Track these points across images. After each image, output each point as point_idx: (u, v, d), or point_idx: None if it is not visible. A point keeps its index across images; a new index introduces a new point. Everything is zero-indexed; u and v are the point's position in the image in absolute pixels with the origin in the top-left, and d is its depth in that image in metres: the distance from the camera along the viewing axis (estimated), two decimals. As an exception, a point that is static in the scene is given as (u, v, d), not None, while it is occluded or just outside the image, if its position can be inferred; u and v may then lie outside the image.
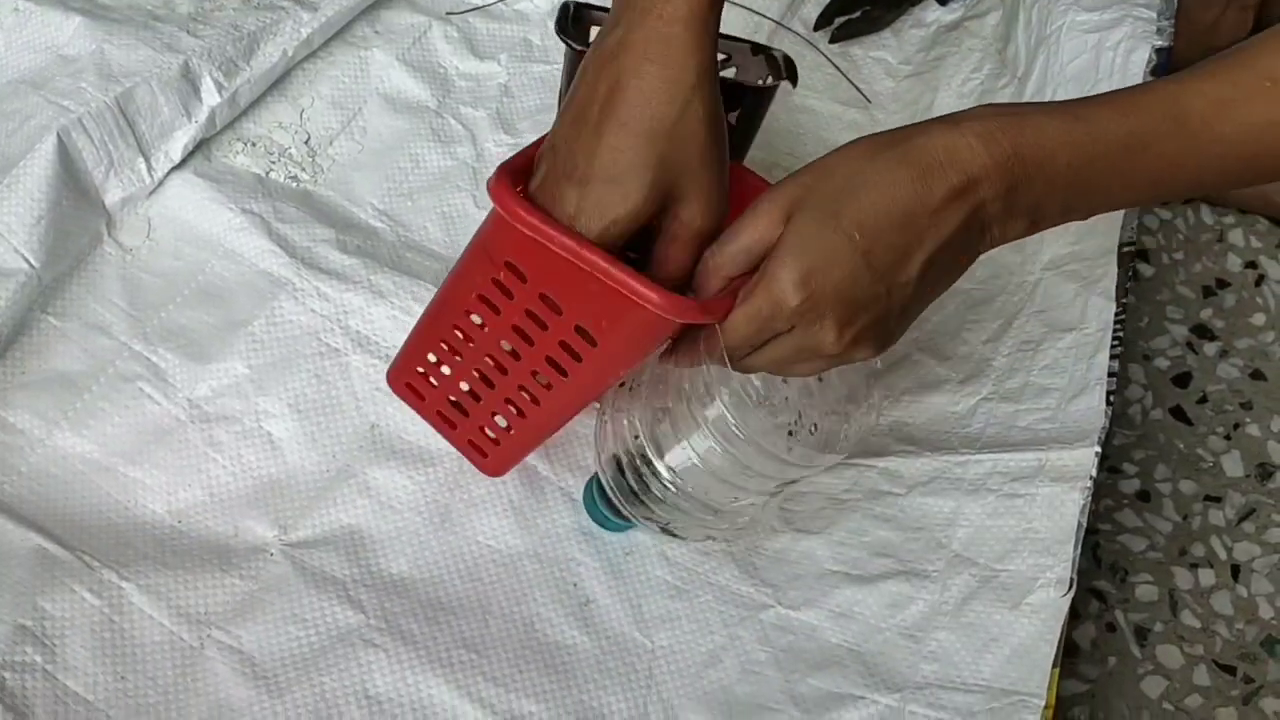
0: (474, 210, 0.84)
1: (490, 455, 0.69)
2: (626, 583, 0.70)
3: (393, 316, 0.77)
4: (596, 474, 0.69)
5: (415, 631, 0.66)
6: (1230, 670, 0.85)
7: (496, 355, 0.62)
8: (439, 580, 0.69)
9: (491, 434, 0.67)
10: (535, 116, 0.89)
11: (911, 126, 0.54)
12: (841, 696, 0.65)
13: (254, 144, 0.84)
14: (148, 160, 0.79)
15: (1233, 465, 0.94)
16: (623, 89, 0.54)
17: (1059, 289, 0.80)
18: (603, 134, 0.54)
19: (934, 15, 1.01)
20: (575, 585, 0.69)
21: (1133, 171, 0.54)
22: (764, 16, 0.98)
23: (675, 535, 0.66)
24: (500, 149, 0.88)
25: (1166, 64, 0.79)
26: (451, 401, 0.67)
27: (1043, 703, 0.62)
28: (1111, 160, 0.53)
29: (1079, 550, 0.66)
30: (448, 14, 0.94)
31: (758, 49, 0.76)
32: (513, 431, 0.66)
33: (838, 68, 0.98)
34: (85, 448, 0.70)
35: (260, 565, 0.67)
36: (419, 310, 0.76)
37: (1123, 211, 0.79)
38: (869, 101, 0.97)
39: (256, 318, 0.76)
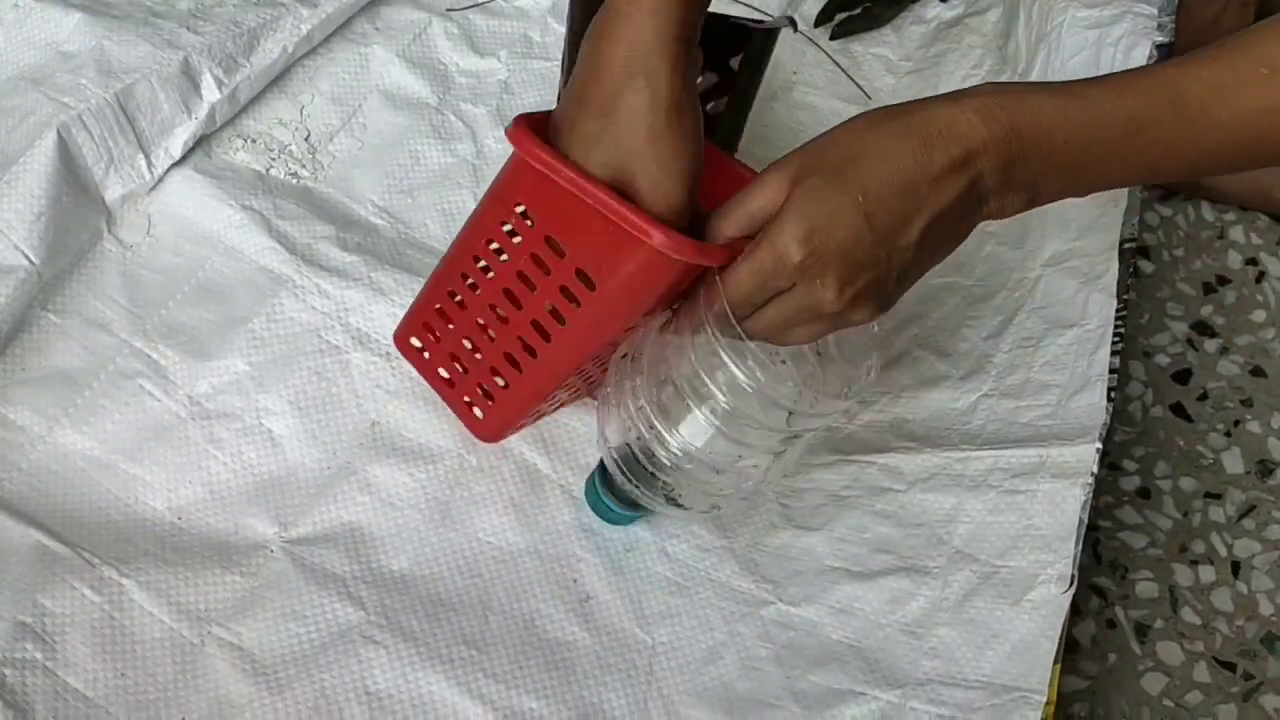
0: (474, 207, 0.84)
1: (486, 415, 0.70)
2: (627, 579, 0.70)
3: (393, 314, 0.77)
4: (597, 468, 0.69)
5: (415, 628, 0.66)
6: (1230, 667, 0.85)
7: (499, 304, 0.64)
8: (439, 577, 0.69)
9: (488, 390, 0.68)
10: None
11: (913, 102, 0.56)
12: (842, 693, 0.65)
13: (254, 140, 0.84)
14: (148, 157, 0.79)
15: (1233, 462, 0.94)
16: (584, 66, 0.57)
17: (1060, 285, 0.80)
18: (566, 109, 0.58)
19: (934, 12, 1.01)
20: (575, 582, 0.69)
21: (1129, 152, 0.55)
22: (763, 14, 0.98)
23: (680, 505, 0.65)
24: (500, 146, 0.87)
25: (1167, 60, 0.79)
26: (452, 357, 0.69)
27: (1044, 699, 0.62)
28: (1108, 141, 0.54)
29: (1080, 547, 0.66)
30: (448, 10, 0.94)
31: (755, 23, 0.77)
32: (510, 388, 0.67)
33: (838, 64, 0.98)
34: (86, 445, 0.70)
35: (260, 562, 0.67)
36: (419, 308, 0.77)
37: (1124, 208, 0.79)
38: (869, 98, 0.97)
39: (257, 315, 0.76)
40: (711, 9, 0.60)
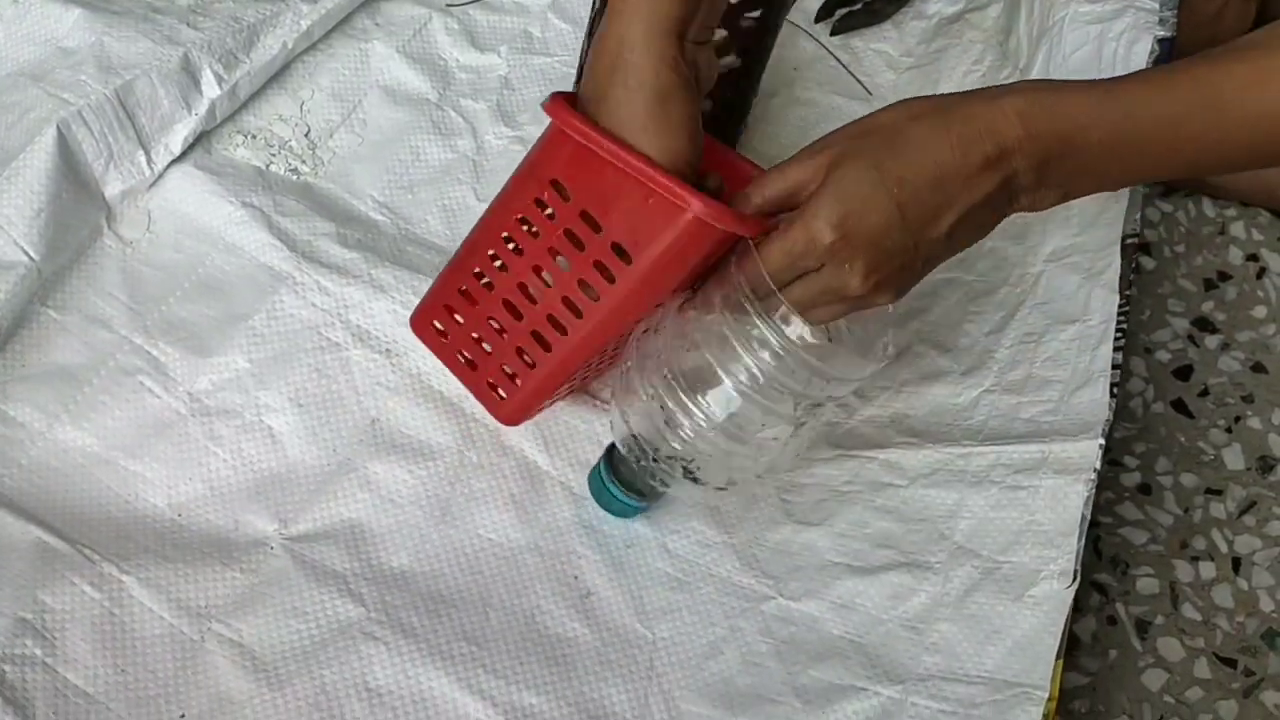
0: (475, 203, 0.84)
1: (510, 397, 0.69)
2: (627, 575, 0.70)
3: (393, 310, 0.77)
4: (602, 458, 0.69)
5: (416, 624, 0.66)
6: (1231, 663, 0.85)
7: (530, 281, 0.64)
8: (439, 573, 0.69)
9: (512, 371, 0.67)
10: (536, 109, 0.89)
11: (953, 95, 0.57)
12: (843, 688, 0.65)
13: (254, 136, 0.84)
14: (148, 153, 0.79)
15: (1234, 458, 0.94)
16: (587, 59, 0.59)
17: (1062, 281, 0.80)
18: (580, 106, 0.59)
19: (935, 7, 1.01)
20: (576, 578, 0.69)
21: (1163, 149, 0.56)
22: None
23: (698, 480, 0.65)
24: (500, 141, 0.87)
25: (1169, 54, 0.79)
26: (475, 339, 0.68)
27: (1045, 694, 0.62)
28: (1143, 138, 0.55)
29: (1083, 542, 0.66)
30: (448, 6, 0.94)
31: None
32: (536, 367, 0.66)
33: (839, 60, 0.98)
34: (85, 441, 0.70)
35: (260, 559, 0.67)
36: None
37: (1125, 204, 0.79)
38: (870, 94, 0.96)
39: (257, 311, 0.76)
40: None
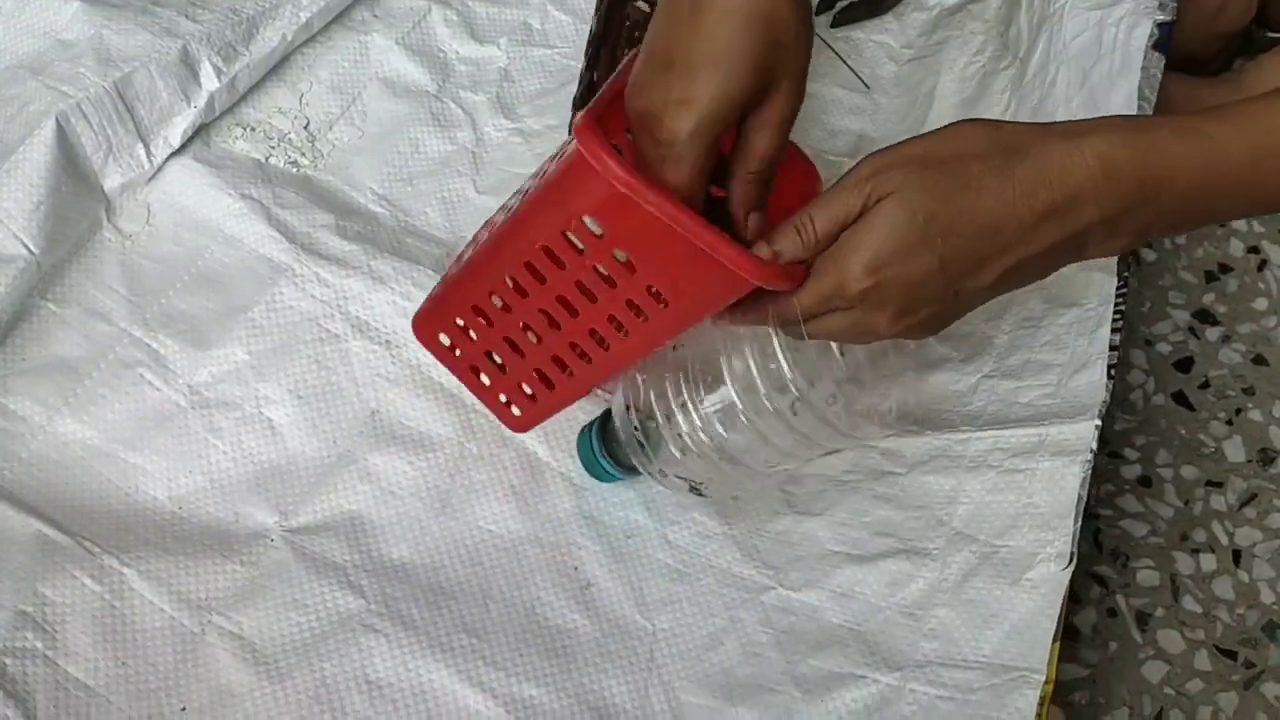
0: (474, 195, 0.84)
1: (525, 413, 0.67)
2: (627, 566, 0.70)
3: (393, 302, 0.77)
4: (598, 422, 0.68)
5: (416, 617, 0.66)
6: (1231, 655, 0.85)
7: (552, 310, 0.60)
8: (439, 565, 0.69)
9: (531, 390, 0.65)
10: (535, 101, 0.89)
11: (1031, 130, 0.53)
12: (843, 676, 0.65)
13: (253, 129, 0.84)
14: (147, 146, 0.79)
15: (1234, 450, 0.94)
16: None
17: (1060, 267, 0.80)
18: (699, 22, 0.53)
19: (935, -1, 1.01)
20: (576, 569, 0.69)
21: (1243, 189, 0.53)
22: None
23: (701, 494, 0.65)
24: (500, 134, 0.87)
25: (1168, 39, 0.79)
26: (489, 356, 0.65)
27: (1043, 677, 0.62)
28: (1228, 180, 0.52)
29: (1079, 524, 0.66)
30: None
31: None
32: (555, 389, 0.64)
33: (837, 53, 0.98)
34: (86, 434, 0.70)
35: (261, 551, 0.67)
36: (420, 296, 0.76)
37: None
38: (868, 88, 0.96)
39: (256, 303, 0.76)
40: None
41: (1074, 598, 0.65)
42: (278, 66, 0.86)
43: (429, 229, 0.82)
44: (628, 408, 0.65)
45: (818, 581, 0.69)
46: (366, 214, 0.82)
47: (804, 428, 0.59)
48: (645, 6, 0.87)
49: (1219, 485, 0.92)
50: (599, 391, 0.74)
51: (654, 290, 0.56)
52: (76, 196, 0.75)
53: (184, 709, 0.62)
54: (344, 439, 0.72)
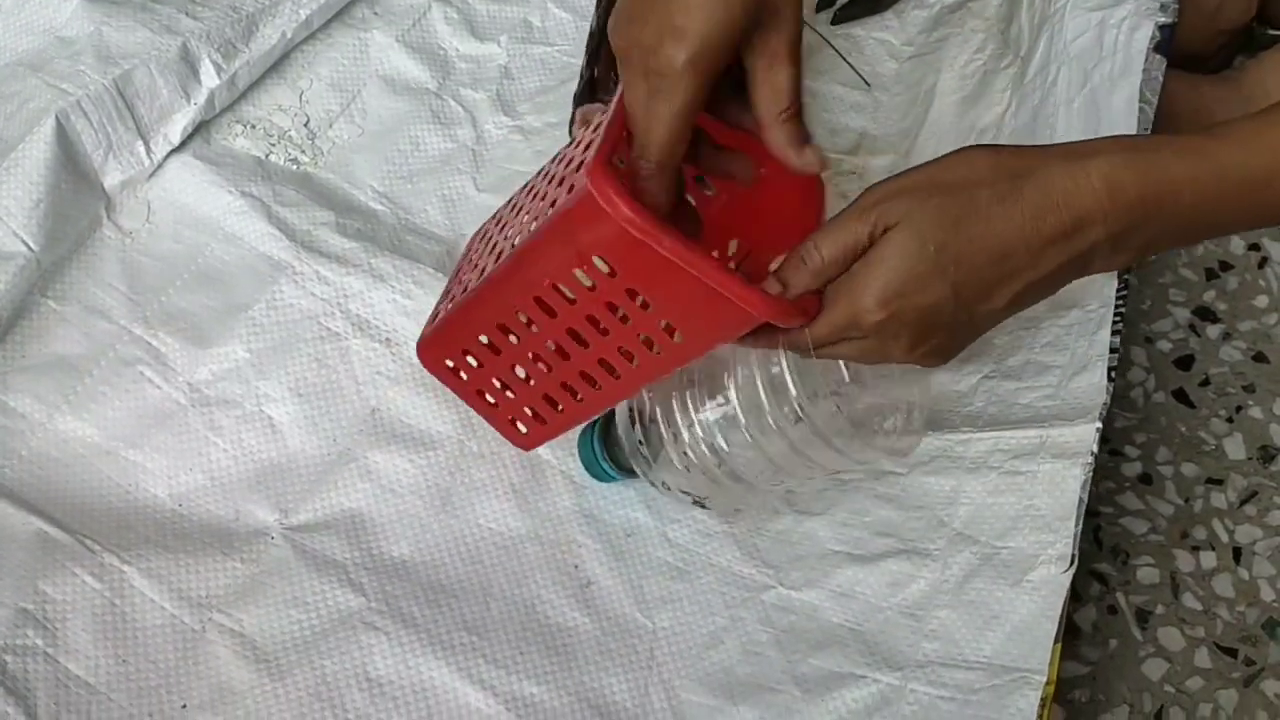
0: (474, 193, 0.84)
1: (531, 433, 0.67)
2: (628, 564, 0.70)
3: (393, 300, 0.76)
4: (600, 424, 0.69)
5: (416, 614, 0.66)
6: (1231, 653, 0.85)
7: (561, 342, 0.60)
8: (440, 563, 0.69)
9: (538, 413, 0.65)
10: (536, 98, 0.89)
11: (1033, 154, 0.53)
12: (843, 676, 0.65)
13: (253, 126, 0.84)
14: (147, 143, 0.79)
15: (1235, 448, 0.94)
16: None
17: (1061, 269, 0.80)
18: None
19: (936, -4, 1.01)
20: (576, 567, 0.69)
21: (1247, 207, 0.53)
22: None
23: (705, 508, 0.65)
24: (500, 131, 0.87)
25: (1169, 41, 0.79)
26: (497, 382, 0.65)
27: (1044, 678, 0.62)
28: (1231, 198, 0.53)
29: (1080, 526, 0.66)
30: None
31: None
32: (563, 412, 0.64)
33: (838, 51, 0.98)
34: (86, 431, 0.70)
35: (261, 549, 0.67)
36: (419, 294, 0.76)
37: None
38: (869, 85, 0.96)
39: (256, 301, 0.76)
40: None
41: (1074, 595, 0.65)
42: (278, 64, 0.86)
43: (429, 226, 0.82)
44: (632, 420, 0.65)
45: (818, 581, 0.69)
46: (367, 211, 0.82)
47: (808, 448, 0.60)
48: None
49: (1219, 483, 0.92)
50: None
51: (665, 325, 0.57)
52: (76, 194, 0.75)
53: (184, 706, 0.62)
54: (344, 437, 0.72)
